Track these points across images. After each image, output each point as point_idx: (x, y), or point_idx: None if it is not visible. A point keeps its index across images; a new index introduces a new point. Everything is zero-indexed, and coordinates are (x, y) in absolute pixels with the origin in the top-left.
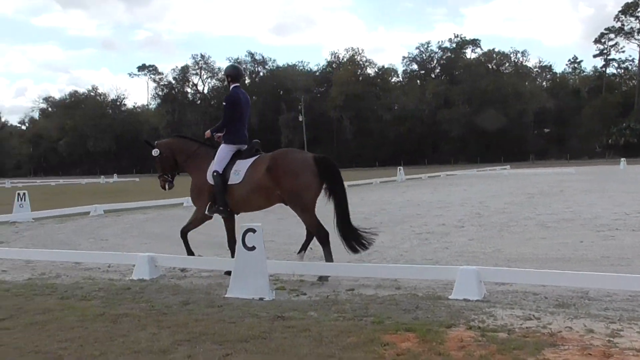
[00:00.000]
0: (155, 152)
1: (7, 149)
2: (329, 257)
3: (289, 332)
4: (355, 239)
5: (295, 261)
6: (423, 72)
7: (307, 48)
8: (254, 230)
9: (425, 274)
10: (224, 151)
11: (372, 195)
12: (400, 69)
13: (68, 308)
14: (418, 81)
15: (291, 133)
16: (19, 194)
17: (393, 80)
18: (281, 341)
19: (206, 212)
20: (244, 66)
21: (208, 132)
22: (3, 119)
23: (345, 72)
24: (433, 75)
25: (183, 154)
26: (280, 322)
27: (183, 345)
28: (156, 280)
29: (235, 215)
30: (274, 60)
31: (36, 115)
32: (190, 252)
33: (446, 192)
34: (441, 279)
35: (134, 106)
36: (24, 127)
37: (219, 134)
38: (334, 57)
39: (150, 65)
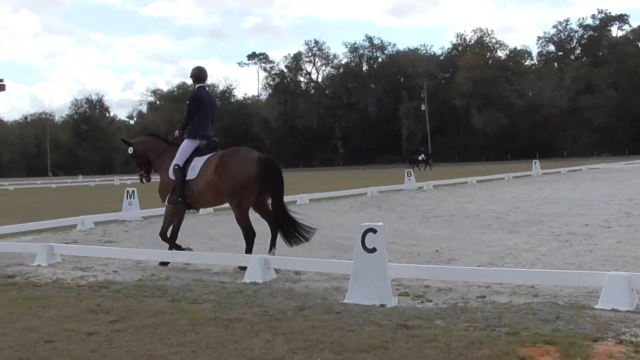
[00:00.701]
0: (130, 150)
1: (116, 145)
2: (248, 252)
3: (413, 342)
4: (294, 233)
5: (419, 264)
6: (561, 53)
7: (430, 30)
8: (374, 231)
9: (567, 280)
10: (186, 146)
11: (505, 192)
12: (534, 50)
13: (179, 311)
14: (555, 64)
15: (413, 123)
16: (128, 191)
17: (526, 63)
18: (405, 352)
19: (165, 202)
20: (361, 52)
21: (177, 132)
22: (112, 114)
23: (473, 56)
24: (573, 57)
25: (154, 153)
26: (404, 331)
27: (299, 353)
28: (269, 283)
29: (196, 211)
30: (394, 45)
31: (144, 108)
32: (176, 247)
33: (589, 188)
34: (585, 285)
35: (244, 97)
36: (132, 122)
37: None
38: (460, 39)
39: (260, 54)
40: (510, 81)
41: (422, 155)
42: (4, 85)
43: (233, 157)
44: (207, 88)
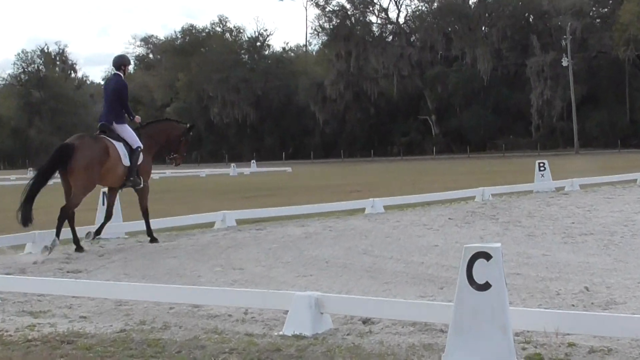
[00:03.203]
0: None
1: (87, 121)
2: (58, 231)
3: None
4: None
5: (559, 310)
6: None
7: None
8: (487, 256)
9: None
10: None
11: None
12: None
13: None
14: None
15: (549, 88)
16: (104, 194)
17: None
18: None
19: None
20: None
21: None
22: (80, 74)
23: None
24: None
25: None
26: None
27: None
28: (323, 337)
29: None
30: None
31: (130, 66)
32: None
33: None
34: None
35: (284, 48)
36: None
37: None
38: None
39: None
40: None
41: None
42: None
43: None
44: (122, 75)
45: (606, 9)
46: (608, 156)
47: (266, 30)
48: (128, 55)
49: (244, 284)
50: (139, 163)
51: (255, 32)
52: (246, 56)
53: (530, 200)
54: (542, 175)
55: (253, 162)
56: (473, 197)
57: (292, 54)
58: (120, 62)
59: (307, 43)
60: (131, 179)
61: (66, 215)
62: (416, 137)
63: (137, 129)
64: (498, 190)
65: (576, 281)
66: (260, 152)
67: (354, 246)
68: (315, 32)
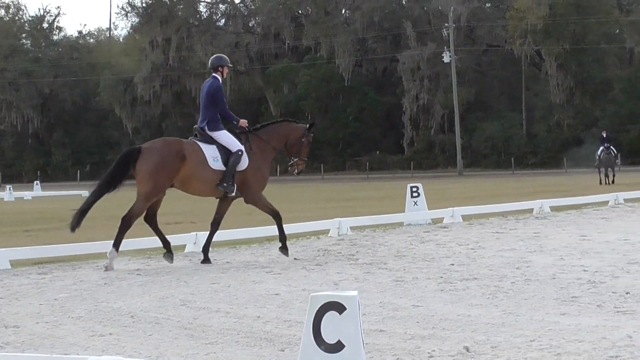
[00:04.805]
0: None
1: None
2: (117, 242)
3: None
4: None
5: None
6: None
7: None
8: (341, 308)
9: None
10: None
11: (608, 230)
12: None
13: None
14: None
15: (426, 90)
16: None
17: None
18: None
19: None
20: None
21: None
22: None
23: None
24: None
25: None
26: None
27: None
28: None
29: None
30: None
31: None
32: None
33: None
34: None
35: (80, 32)
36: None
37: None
38: None
39: None
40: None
41: (606, 144)
42: None
43: None
44: (220, 77)
45: None
46: (499, 179)
47: (58, 7)
48: None
49: (20, 347)
50: (242, 168)
51: (40, 9)
52: (28, 41)
53: (400, 236)
54: (416, 203)
55: (37, 184)
56: (327, 231)
57: (92, 40)
58: (217, 63)
59: (112, 26)
60: (224, 184)
61: (128, 226)
62: None
63: (247, 132)
64: (359, 223)
65: (454, 339)
66: (46, 171)
67: (170, 295)
68: (123, 12)
